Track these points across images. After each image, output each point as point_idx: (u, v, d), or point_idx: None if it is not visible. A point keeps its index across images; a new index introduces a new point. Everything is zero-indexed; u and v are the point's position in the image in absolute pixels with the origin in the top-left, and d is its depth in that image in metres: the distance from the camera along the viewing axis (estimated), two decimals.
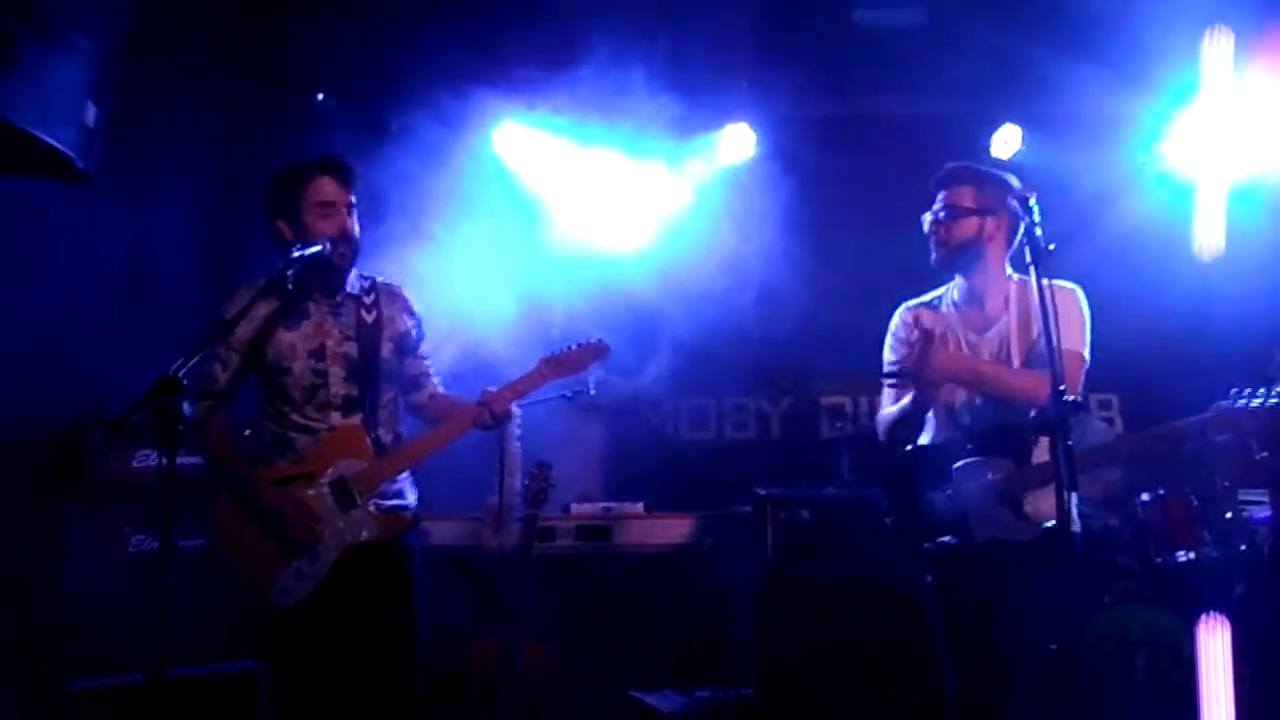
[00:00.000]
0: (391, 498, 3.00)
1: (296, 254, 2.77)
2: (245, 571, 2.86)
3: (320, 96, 4.98)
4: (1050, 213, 2.80)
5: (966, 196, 3.08)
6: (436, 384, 3.16)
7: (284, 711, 2.85)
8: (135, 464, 3.96)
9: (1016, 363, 2.99)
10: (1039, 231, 2.61)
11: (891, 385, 3.18)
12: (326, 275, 2.96)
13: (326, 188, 2.91)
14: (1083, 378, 3.02)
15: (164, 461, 2.36)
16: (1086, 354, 3.03)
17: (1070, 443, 2.31)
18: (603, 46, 4.59)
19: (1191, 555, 3.85)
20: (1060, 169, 5.02)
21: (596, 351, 3.11)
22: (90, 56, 2.92)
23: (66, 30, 2.84)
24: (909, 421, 3.08)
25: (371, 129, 4.46)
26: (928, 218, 3.15)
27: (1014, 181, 3.05)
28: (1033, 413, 2.54)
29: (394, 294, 3.11)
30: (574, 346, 3.10)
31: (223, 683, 3.77)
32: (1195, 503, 3.89)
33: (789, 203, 4.85)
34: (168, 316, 3.64)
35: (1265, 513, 3.97)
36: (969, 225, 3.06)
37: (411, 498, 3.07)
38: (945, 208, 3.10)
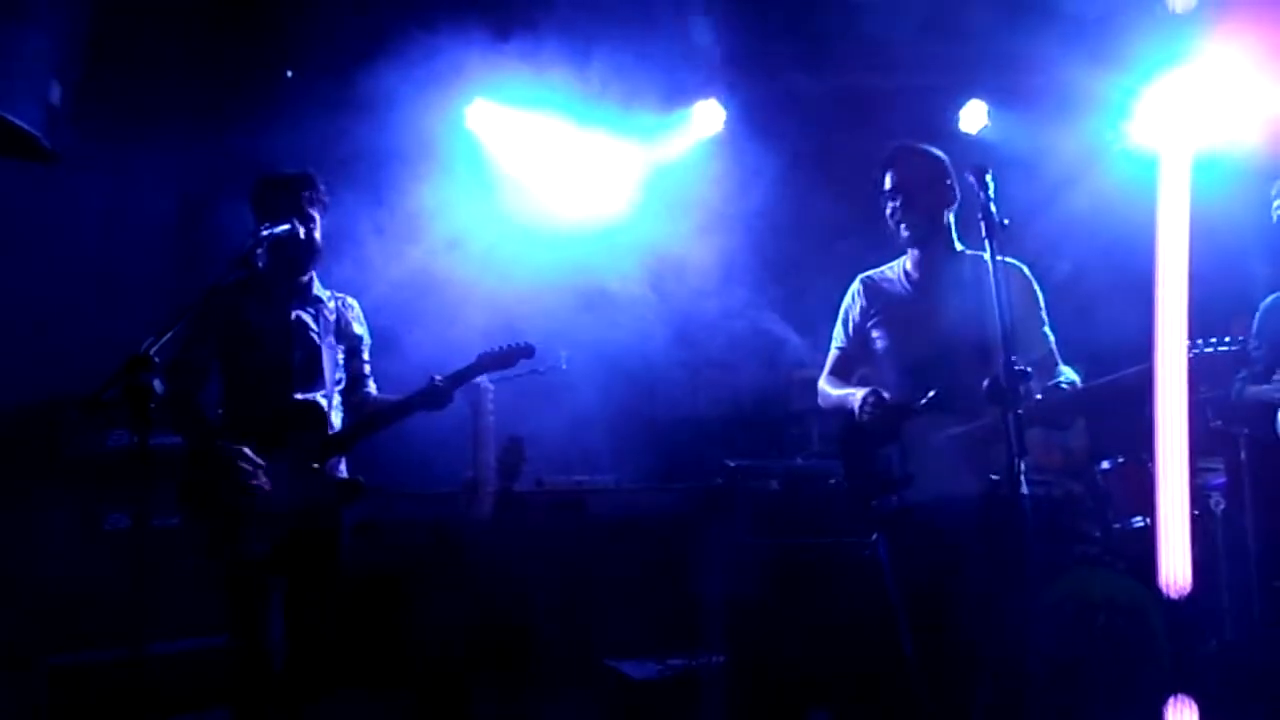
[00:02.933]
0: (338, 471, 3.21)
1: (265, 232, 2.89)
2: (212, 530, 3.00)
3: (289, 74, 4.95)
4: (1016, 187, 2.87)
5: (914, 174, 3.15)
6: (371, 386, 3.43)
7: (241, 663, 3.02)
8: (110, 443, 3.97)
9: (977, 335, 2.97)
10: (994, 207, 2.67)
11: (839, 349, 3.32)
12: (293, 259, 3.14)
13: (278, 202, 3.09)
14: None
15: (137, 440, 2.39)
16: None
17: (1020, 411, 2.37)
18: (573, 21, 4.59)
19: (1148, 521, 3.96)
20: (1027, 144, 5.08)
21: (523, 352, 3.42)
22: (55, 33, 2.91)
23: (29, 6, 2.83)
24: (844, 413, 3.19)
25: (342, 105, 4.44)
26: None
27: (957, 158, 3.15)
28: (985, 382, 2.60)
29: (350, 305, 3.40)
30: (506, 346, 3.40)
31: (199, 658, 3.80)
32: (1152, 470, 3.99)
33: (760, 176, 4.89)
34: (140, 294, 3.64)
35: (1220, 479, 4.08)
36: (920, 202, 3.13)
37: (344, 470, 3.26)
38: (894, 187, 3.17)
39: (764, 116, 5.20)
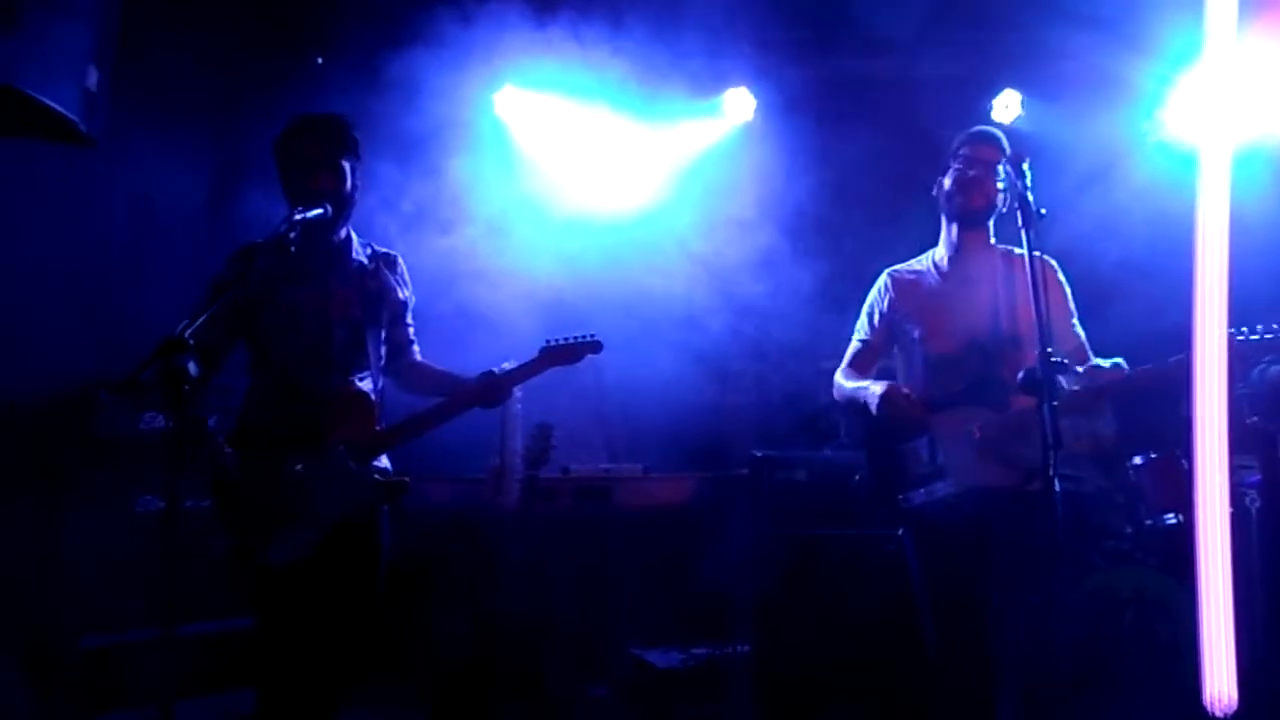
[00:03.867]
0: (378, 462, 3.00)
1: (299, 216, 2.73)
2: (243, 529, 2.82)
3: (320, 60, 4.97)
4: (1049, 179, 2.84)
5: (994, 156, 3.10)
6: (416, 351, 3.21)
7: (268, 662, 2.86)
8: (142, 425, 4.00)
9: (1005, 321, 3.03)
10: (1030, 196, 2.64)
11: (861, 341, 3.29)
12: (330, 234, 2.95)
13: (308, 147, 2.90)
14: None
15: (171, 422, 2.38)
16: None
17: (1055, 403, 2.35)
18: (602, 9, 4.58)
19: (1181, 518, 3.91)
20: (1061, 134, 5.01)
21: (591, 347, 3.20)
22: (91, 19, 2.93)
23: None
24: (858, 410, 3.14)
25: (371, 91, 4.45)
26: (952, 174, 3.16)
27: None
28: (1020, 374, 2.58)
29: (393, 262, 3.13)
30: (573, 340, 3.18)
31: (230, 639, 3.83)
32: (1186, 466, 3.94)
33: (790, 165, 4.86)
34: (173, 278, 3.66)
35: (1255, 477, 4.02)
36: (994, 186, 3.08)
37: (387, 463, 3.05)
38: (983, 164, 3.10)
39: (795, 105, 5.17)
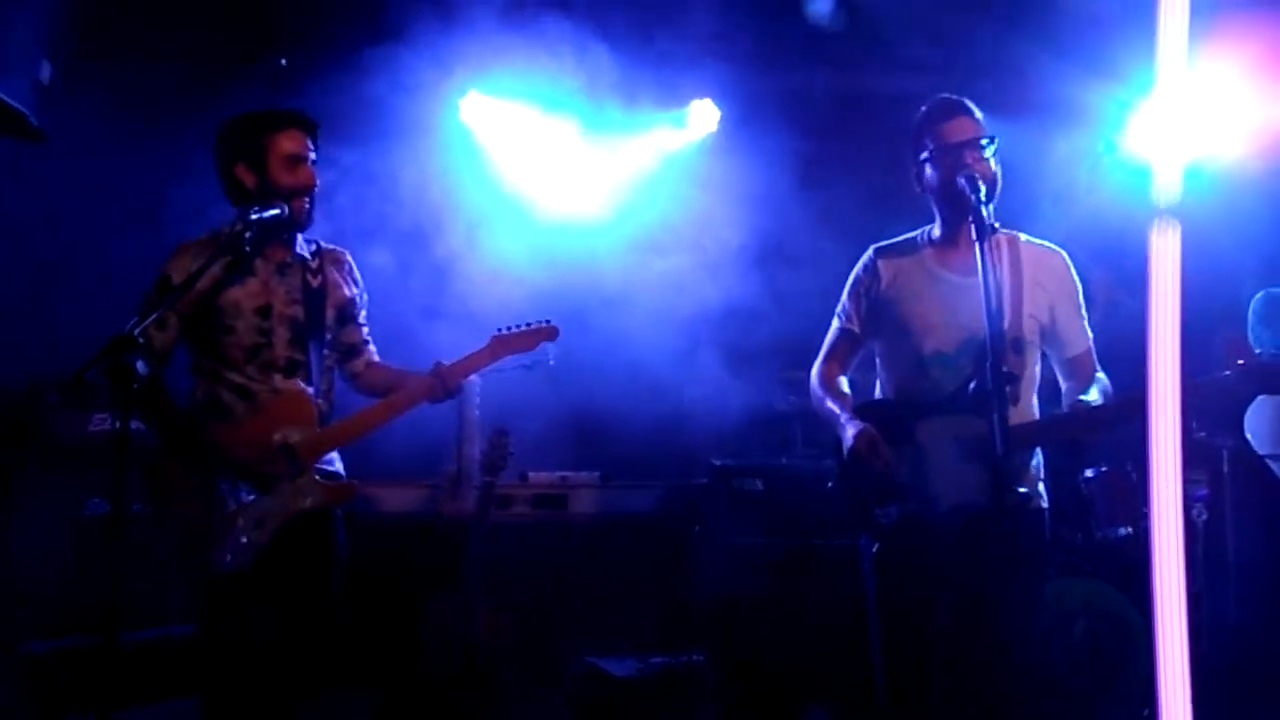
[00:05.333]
0: (328, 465, 2.94)
1: (255, 216, 2.69)
2: (185, 533, 2.77)
3: (283, 61, 4.93)
4: (1009, 200, 2.81)
5: (979, 132, 2.84)
6: (373, 352, 3.12)
7: (215, 671, 2.79)
8: (92, 427, 3.92)
9: (1007, 320, 2.72)
10: (985, 210, 2.65)
11: (842, 329, 3.02)
12: (281, 234, 2.88)
13: (297, 141, 2.85)
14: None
15: (118, 422, 2.34)
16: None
17: (1004, 415, 2.32)
18: (568, 18, 4.59)
19: (1130, 530, 3.97)
20: (1020, 156, 5.08)
21: (545, 334, 3.13)
22: (44, 12, 2.89)
23: None
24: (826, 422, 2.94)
25: (335, 91, 4.42)
26: (941, 163, 2.83)
27: None
28: (971, 385, 2.56)
29: (339, 260, 3.05)
30: (524, 326, 3.11)
31: (176, 646, 3.75)
32: (1135, 479, 4.01)
33: (752, 176, 4.89)
34: (125, 277, 3.60)
35: (1203, 490, 4.10)
36: (987, 165, 2.80)
37: (340, 466, 3.00)
38: (968, 141, 2.79)
39: (759, 118, 5.20)
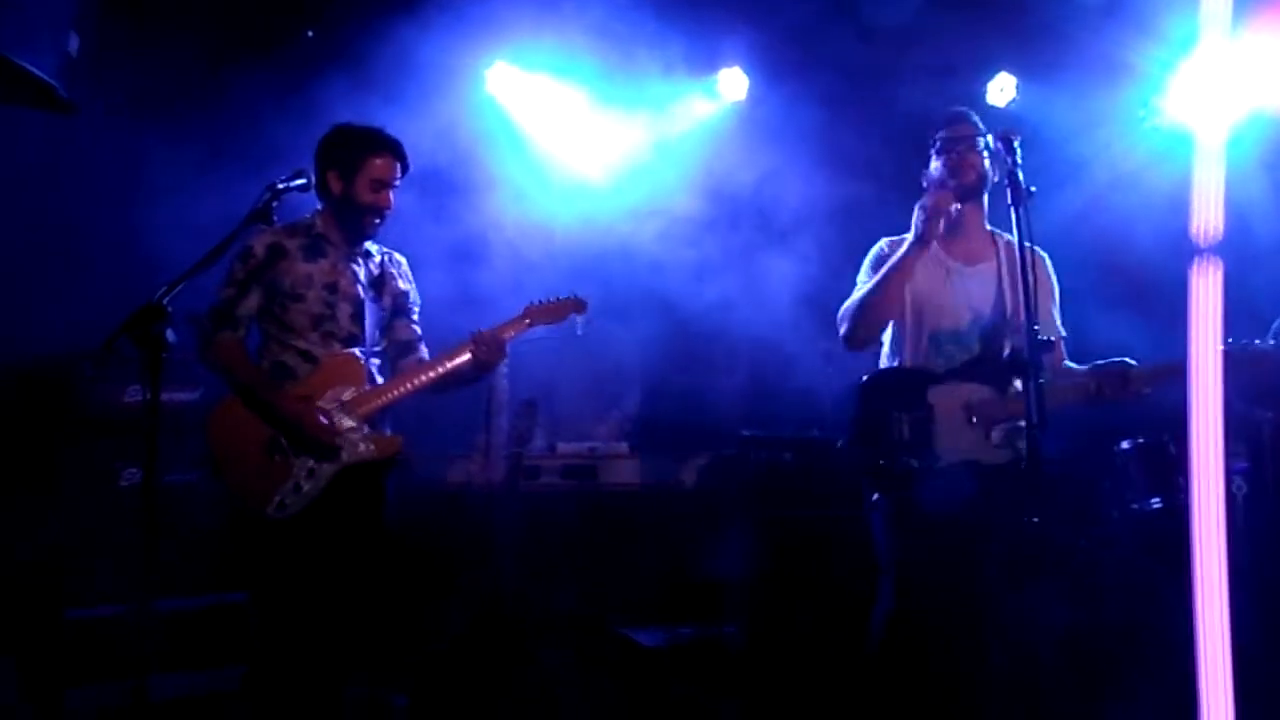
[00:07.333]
0: (379, 425, 3.16)
1: (281, 185, 2.80)
2: (240, 480, 2.97)
3: (310, 33, 4.92)
4: (1044, 163, 2.82)
5: (973, 133, 3.12)
6: (424, 351, 3.31)
7: (268, 620, 2.99)
8: (126, 398, 3.98)
9: (1008, 308, 3.04)
10: (1020, 174, 2.62)
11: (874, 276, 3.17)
12: (352, 230, 3.14)
13: (389, 168, 3.12)
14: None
15: (148, 391, 2.37)
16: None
17: (1041, 381, 2.34)
18: None
19: (1165, 503, 3.90)
20: (1056, 119, 4.98)
21: (575, 305, 3.32)
22: None
23: None
24: (881, 298, 3.06)
25: (362, 63, 4.41)
26: (939, 159, 3.14)
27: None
28: (1006, 351, 2.57)
29: (397, 261, 3.33)
30: (556, 298, 3.31)
31: (211, 615, 3.85)
32: (1173, 450, 3.93)
33: (781, 146, 4.83)
34: (155, 248, 3.62)
35: (1242, 464, 4.02)
36: (979, 160, 3.09)
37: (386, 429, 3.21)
38: (963, 140, 3.10)
39: (788, 86, 5.13)
